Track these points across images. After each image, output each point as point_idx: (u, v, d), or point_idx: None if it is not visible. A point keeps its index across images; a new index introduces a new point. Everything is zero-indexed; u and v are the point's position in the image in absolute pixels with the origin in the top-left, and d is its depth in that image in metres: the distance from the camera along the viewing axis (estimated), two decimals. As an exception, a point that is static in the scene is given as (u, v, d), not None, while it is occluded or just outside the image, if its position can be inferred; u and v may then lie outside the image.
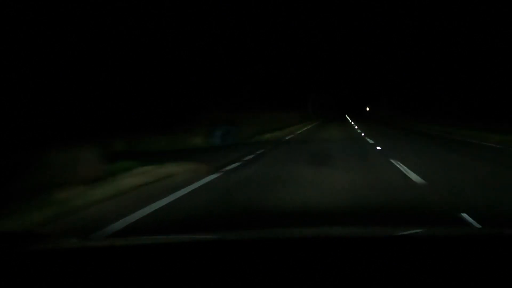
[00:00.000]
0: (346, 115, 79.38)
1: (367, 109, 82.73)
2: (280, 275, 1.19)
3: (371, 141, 14.35)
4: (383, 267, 1.22)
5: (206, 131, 12.20)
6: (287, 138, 16.72)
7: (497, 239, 1.60)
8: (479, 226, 3.55)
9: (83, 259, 1.35)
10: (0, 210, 3.61)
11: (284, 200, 4.45)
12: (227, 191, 5.04)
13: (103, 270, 1.24)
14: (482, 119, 19.82)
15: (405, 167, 7.00)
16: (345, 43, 39.00)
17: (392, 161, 7.93)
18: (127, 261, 1.32)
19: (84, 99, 7.68)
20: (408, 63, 38.22)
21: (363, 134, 18.55)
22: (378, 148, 11.54)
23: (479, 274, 1.20)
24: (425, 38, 31.10)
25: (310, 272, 1.20)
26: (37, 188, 4.14)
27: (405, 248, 1.44)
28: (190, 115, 11.90)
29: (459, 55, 26.68)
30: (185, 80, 12.81)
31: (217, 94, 16.21)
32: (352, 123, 36.85)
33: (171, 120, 11.36)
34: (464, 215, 3.71)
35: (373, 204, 4.26)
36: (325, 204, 4.22)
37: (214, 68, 15.58)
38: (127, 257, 1.38)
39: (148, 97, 10.27)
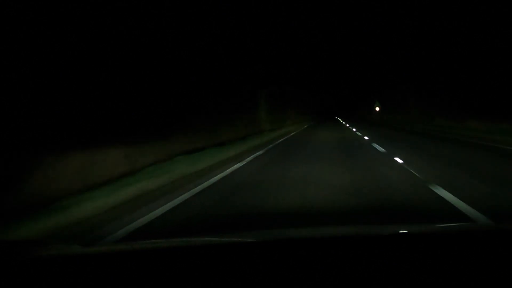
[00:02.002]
0: (339, 118, 66.57)
1: (377, 109, 59.62)
2: (280, 276, 1.18)
3: None
4: (384, 266, 1.22)
5: None
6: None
7: (499, 235, 1.59)
8: None
9: (85, 265, 1.34)
10: (6, 217, 3.58)
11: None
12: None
13: (105, 276, 1.23)
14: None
15: None
16: (343, 41, 38.89)
17: None
18: (128, 266, 1.32)
19: (84, 99, 7.66)
20: (407, 62, 38.26)
21: None
22: None
23: (480, 271, 1.19)
24: (424, 37, 31.14)
25: (310, 272, 1.20)
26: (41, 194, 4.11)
27: (404, 246, 1.44)
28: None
29: (459, 55, 26.71)
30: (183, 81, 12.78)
31: (217, 95, 16.15)
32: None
33: (171, 121, 11.33)
34: None
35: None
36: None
37: (214, 68, 15.54)
38: (128, 262, 1.38)
39: (148, 97, 10.24)
